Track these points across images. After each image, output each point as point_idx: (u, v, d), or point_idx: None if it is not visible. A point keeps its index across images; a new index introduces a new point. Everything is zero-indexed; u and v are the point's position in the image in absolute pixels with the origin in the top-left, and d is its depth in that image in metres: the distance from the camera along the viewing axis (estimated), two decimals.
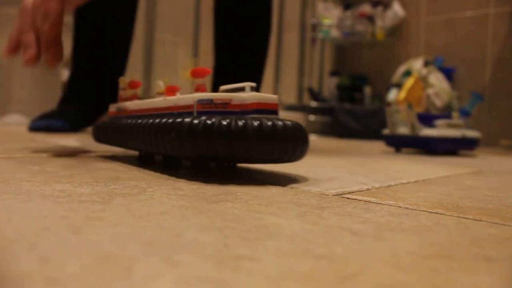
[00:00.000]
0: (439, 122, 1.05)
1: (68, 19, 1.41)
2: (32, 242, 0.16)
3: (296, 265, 0.14)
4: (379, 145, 1.34)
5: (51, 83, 1.44)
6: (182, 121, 0.32)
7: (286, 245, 0.17)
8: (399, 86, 1.80)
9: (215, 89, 0.95)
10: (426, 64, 1.76)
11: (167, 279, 0.13)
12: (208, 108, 0.34)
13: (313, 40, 2.14)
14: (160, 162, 0.45)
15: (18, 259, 0.14)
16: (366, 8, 2.06)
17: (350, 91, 2.06)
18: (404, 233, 0.20)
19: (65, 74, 1.65)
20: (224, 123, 0.31)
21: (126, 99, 0.50)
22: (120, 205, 0.23)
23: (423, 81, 1.72)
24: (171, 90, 0.40)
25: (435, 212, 0.26)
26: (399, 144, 1.03)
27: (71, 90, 0.88)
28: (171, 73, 2.13)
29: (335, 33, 2.10)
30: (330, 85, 2.13)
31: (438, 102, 1.66)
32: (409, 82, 1.72)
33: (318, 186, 0.34)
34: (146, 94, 1.79)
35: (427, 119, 1.05)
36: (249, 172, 0.42)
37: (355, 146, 1.19)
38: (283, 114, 1.54)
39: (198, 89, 0.37)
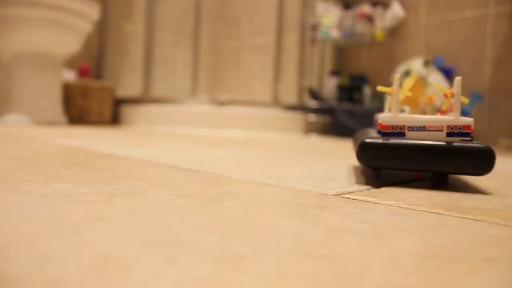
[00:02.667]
0: None
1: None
2: (32, 242, 0.16)
3: (296, 265, 0.14)
4: None
5: (51, 83, 1.44)
6: None
7: (286, 245, 0.17)
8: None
9: None
10: (426, 64, 1.76)
11: (167, 279, 0.13)
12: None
13: (313, 40, 2.14)
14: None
15: (18, 259, 0.14)
16: (365, 8, 2.06)
17: (350, 91, 2.06)
18: (404, 233, 0.20)
19: (65, 74, 1.65)
20: None
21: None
22: (120, 205, 0.23)
23: (422, 81, 1.72)
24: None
25: (435, 212, 0.26)
26: None
27: None
28: (170, 73, 2.13)
29: (335, 33, 2.10)
30: (330, 85, 2.13)
31: (438, 102, 1.66)
32: (409, 82, 1.72)
33: (318, 186, 0.34)
34: (146, 95, 1.79)
35: None
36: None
37: None
38: (283, 114, 1.53)
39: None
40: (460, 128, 0.39)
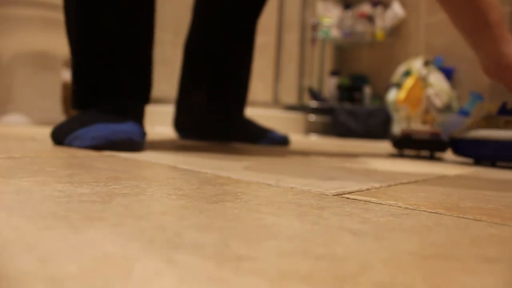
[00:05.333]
0: None
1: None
2: (32, 242, 0.16)
3: (296, 265, 0.14)
4: (378, 145, 1.33)
5: (51, 83, 1.44)
6: None
7: (286, 245, 0.17)
8: (399, 86, 1.80)
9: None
10: (426, 64, 1.76)
11: (167, 279, 0.13)
12: None
13: (313, 40, 2.14)
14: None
15: (18, 259, 0.14)
16: (366, 8, 2.06)
17: (350, 91, 2.06)
18: (404, 233, 0.20)
19: (65, 74, 1.65)
20: None
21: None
22: (120, 205, 0.23)
23: (423, 81, 1.72)
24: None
25: (435, 212, 0.26)
26: None
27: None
28: (170, 73, 2.13)
29: (335, 33, 2.10)
30: (330, 85, 2.13)
31: (438, 102, 1.66)
32: (409, 82, 1.72)
33: (318, 186, 0.34)
34: None
35: None
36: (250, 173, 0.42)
37: (354, 146, 1.19)
38: (283, 114, 1.53)
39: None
40: (436, 133, 0.78)
